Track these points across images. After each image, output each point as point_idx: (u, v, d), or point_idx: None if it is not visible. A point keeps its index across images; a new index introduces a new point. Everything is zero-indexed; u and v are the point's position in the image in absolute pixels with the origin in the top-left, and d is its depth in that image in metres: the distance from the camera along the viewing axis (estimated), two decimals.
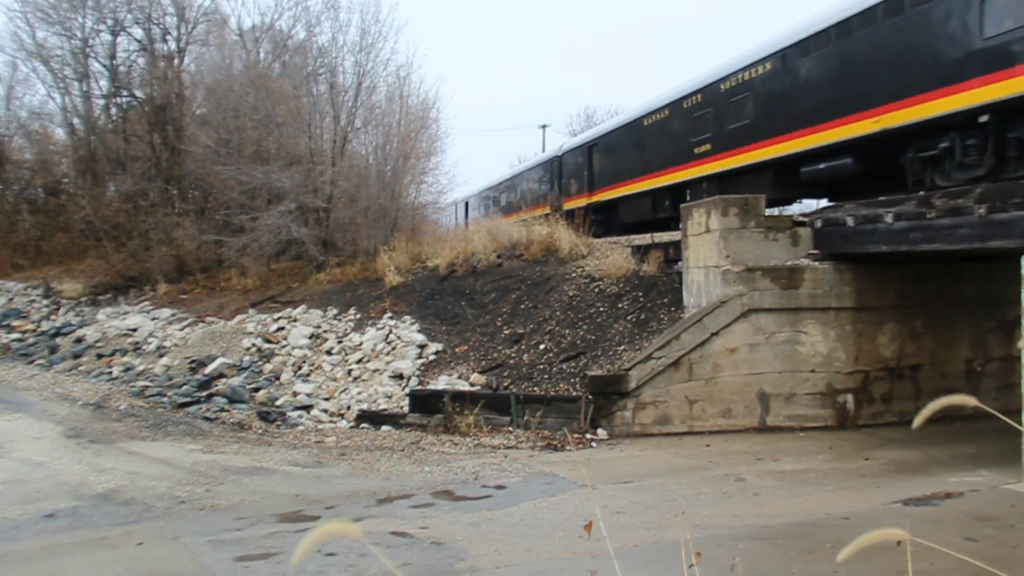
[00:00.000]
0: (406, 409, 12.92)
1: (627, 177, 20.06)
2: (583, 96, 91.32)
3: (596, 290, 15.08)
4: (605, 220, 21.81)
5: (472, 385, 13.42)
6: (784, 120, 13.76)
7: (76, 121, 26.95)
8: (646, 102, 19.71)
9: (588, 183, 22.63)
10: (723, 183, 15.63)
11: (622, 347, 13.09)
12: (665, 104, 18.16)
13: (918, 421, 1.50)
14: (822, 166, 13.10)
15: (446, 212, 41.01)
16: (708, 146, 16.15)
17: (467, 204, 39.27)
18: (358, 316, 17.15)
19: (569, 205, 23.87)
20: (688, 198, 16.34)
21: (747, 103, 14.89)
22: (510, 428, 11.96)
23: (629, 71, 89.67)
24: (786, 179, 14.19)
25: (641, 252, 15.55)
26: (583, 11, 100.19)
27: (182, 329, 18.08)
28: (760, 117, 14.50)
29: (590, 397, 11.83)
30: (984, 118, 10.19)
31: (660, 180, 18.22)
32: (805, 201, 17.85)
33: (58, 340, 19.12)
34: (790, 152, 13.59)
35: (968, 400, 1.54)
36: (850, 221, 11.55)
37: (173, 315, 19.35)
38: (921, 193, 10.80)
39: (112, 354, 17.37)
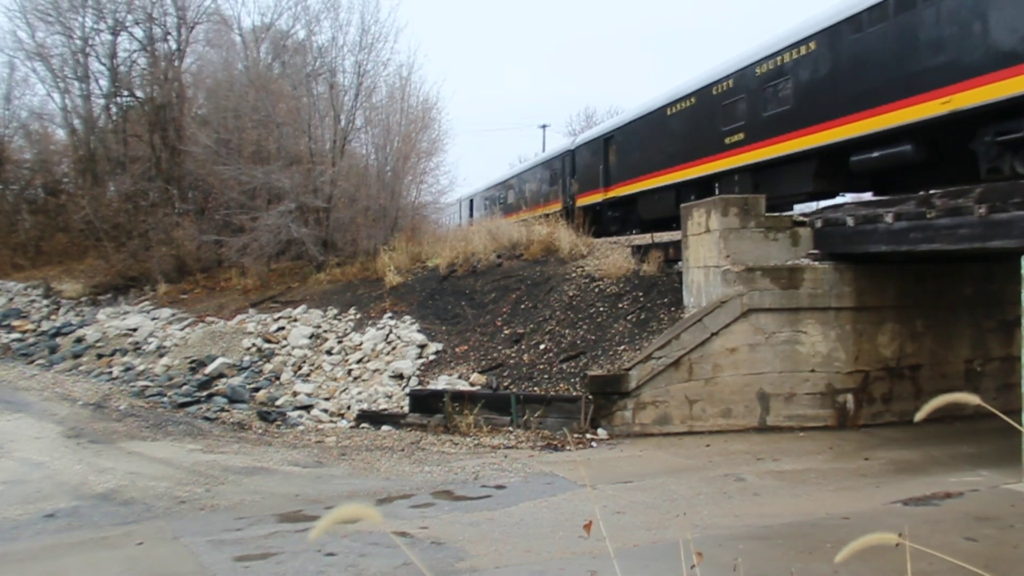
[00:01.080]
0: (406, 409, 12.92)
1: (648, 171, 18.97)
2: (583, 96, 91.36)
3: (596, 290, 15.09)
4: (623, 217, 21.06)
5: (472, 385, 13.43)
6: (832, 104, 12.65)
7: (76, 121, 26.94)
8: (669, 90, 18.51)
9: (604, 178, 21.60)
10: (757, 175, 14.81)
11: (622, 347, 13.10)
12: (691, 92, 17.04)
13: (921, 415, 1.50)
14: (876, 154, 12.00)
15: (449, 211, 40.22)
16: (741, 135, 15.08)
17: (472, 202, 38.50)
18: (358, 316, 17.16)
19: (583, 201, 23.11)
20: (717, 192, 15.61)
21: (788, 87, 13.81)
22: (510, 428, 11.96)
23: (629, 72, 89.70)
24: (831, 170, 13.27)
25: (641, 252, 15.55)
26: (583, 11, 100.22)
27: (182, 329, 18.08)
28: (803, 102, 13.40)
29: (590, 397, 11.83)
30: None
31: (685, 173, 17.15)
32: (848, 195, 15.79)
33: (58, 340, 19.12)
34: (838, 140, 12.52)
35: (971, 398, 1.54)
36: (850, 221, 11.55)
37: (173, 315, 19.35)
38: (921, 193, 10.78)
39: (112, 354, 17.37)
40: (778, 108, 14.06)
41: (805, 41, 13.41)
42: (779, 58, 14.08)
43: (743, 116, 15.06)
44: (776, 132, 14.04)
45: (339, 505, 1.32)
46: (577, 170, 24.01)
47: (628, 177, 20.17)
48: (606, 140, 21.76)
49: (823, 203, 14.97)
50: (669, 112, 18.03)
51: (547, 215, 23.31)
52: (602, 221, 21.71)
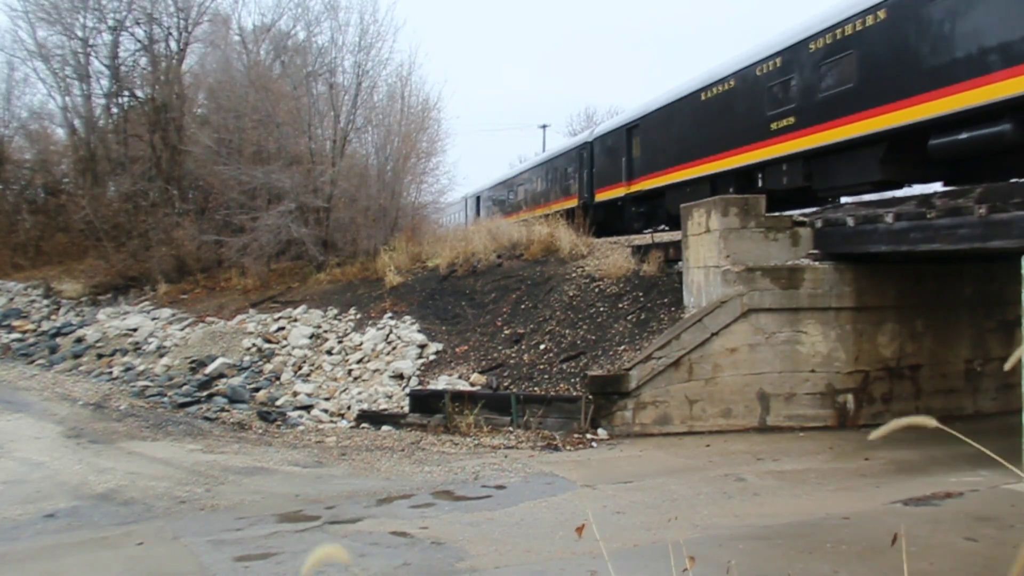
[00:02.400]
0: (406, 409, 12.92)
1: (678, 162, 17.50)
2: (583, 96, 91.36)
3: (596, 290, 15.09)
4: (649, 212, 19.74)
5: (472, 385, 13.42)
6: (909, 80, 11.20)
7: (76, 121, 26.94)
8: (703, 73, 17.05)
9: (627, 170, 20.10)
10: (810, 164, 13.50)
11: (622, 347, 13.10)
12: (731, 74, 15.59)
13: (877, 435, 1.48)
14: (964, 136, 10.56)
15: (453, 209, 39.55)
16: (791, 119, 13.66)
17: (478, 199, 37.15)
18: (358, 316, 17.15)
19: (603, 196, 21.75)
20: (760, 183, 14.47)
21: (850, 63, 12.31)
22: (510, 428, 11.96)
23: (629, 72, 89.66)
24: (901, 156, 11.86)
25: (641, 252, 15.55)
26: (583, 12, 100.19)
27: (182, 329, 18.08)
28: (870, 79, 11.95)
29: (590, 397, 11.83)
30: None
31: (723, 163, 15.66)
32: (917, 186, 13.76)
33: (58, 340, 19.12)
34: (915, 120, 11.08)
35: (928, 421, 1.50)
36: (850, 221, 11.55)
37: (173, 315, 19.35)
38: (920, 193, 10.78)
39: (112, 354, 17.37)
40: (838, 87, 12.60)
41: (873, 9, 11.90)
42: (839, 31, 12.60)
43: (794, 98, 13.65)
44: (835, 114, 12.61)
45: (314, 551, 1.41)
46: (596, 163, 22.51)
47: (655, 169, 18.66)
48: (629, 130, 20.26)
49: (864, 197, 13.50)
50: (704, 97, 16.51)
51: (562, 212, 22.52)
52: (625, 217, 20.64)
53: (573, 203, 23.40)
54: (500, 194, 33.52)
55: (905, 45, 11.37)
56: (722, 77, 15.92)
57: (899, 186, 13.03)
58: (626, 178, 20.23)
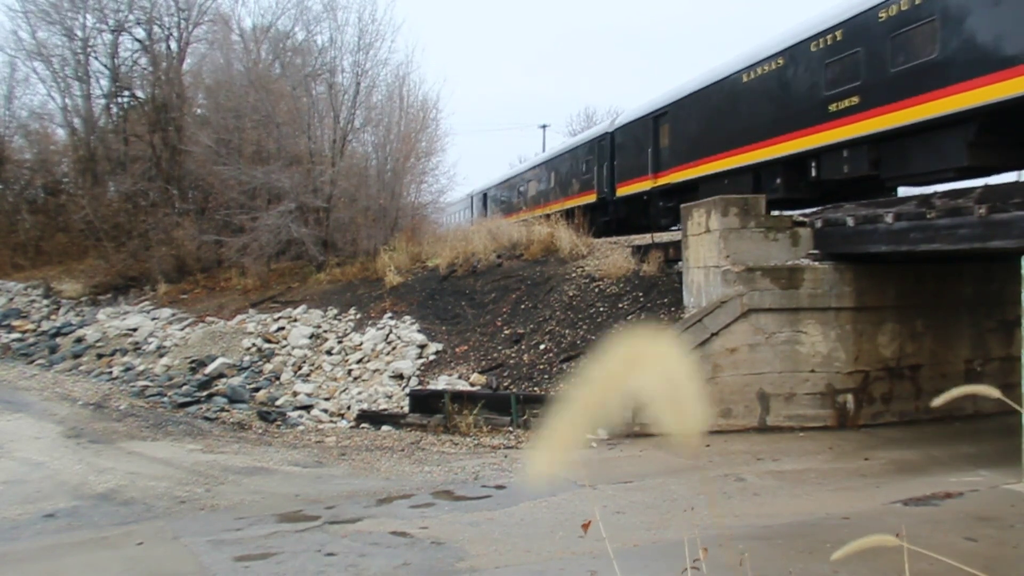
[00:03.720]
0: (406, 409, 12.93)
1: (714, 151, 16.05)
2: (583, 96, 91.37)
3: (596, 290, 15.09)
4: (678, 207, 18.55)
5: (472, 385, 13.43)
6: (1006, 46, 9.76)
7: (76, 121, 26.95)
8: (743, 53, 15.70)
9: (653, 162, 18.66)
10: (880, 149, 12.14)
11: None
12: (779, 51, 14.20)
13: (939, 401, 1.43)
14: None
15: (458, 207, 38.81)
16: (854, 99, 12.27)
17: (485, 196, 35.76)
18: (358, 316, 17.16)
19: (626, 190, 20.34)
20: (814, 172, 13.23)
21: (931, 31, 10.91)
22: (510, 428, 11.96)
23: (629, 72, 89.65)
24: (996, 138, 10.55)
25: (641, 252, 15.54)
26: (583, 12, 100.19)
27: (182, 329, 18.08)
28: (957, 48, 10.52)
29: None
30: None
31: (770, 151, 14.23)
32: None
33: (58, 340, 19.13)
34: (1020, 93, 9.59)
35: (990, 391, 1.47)
36: (850, 221, 11.55)
37: (173, 315, 19.36)
38: (920, 193, 10.77)
39: (112, 354, 17.37)
40: (915, 60, 11.16)
41: None
42: None
43: (858, 74, 12.24)
44: (911, 91, 11.20)
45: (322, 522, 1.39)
46: (617, 155, 20.97)
47: (686, 160, 17.18)
48: (656, 118, 18.74)
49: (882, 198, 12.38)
50: (745, 79, 15.09)
51: (579, 208, 21.66)
52: (650, 213, 19.20)
53: (591, 199, 22.26)
54: (509, 191, 32.20)
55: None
56: (768, 56, 14.48)
57: (988, 173, 11.48)
58: (652, 171, 18.75)
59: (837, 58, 12.74)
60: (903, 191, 13.19)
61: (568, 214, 21.77)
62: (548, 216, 20.42)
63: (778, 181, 14.06)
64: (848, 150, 12.60)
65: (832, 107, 12.75)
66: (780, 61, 14.13)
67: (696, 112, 17.00)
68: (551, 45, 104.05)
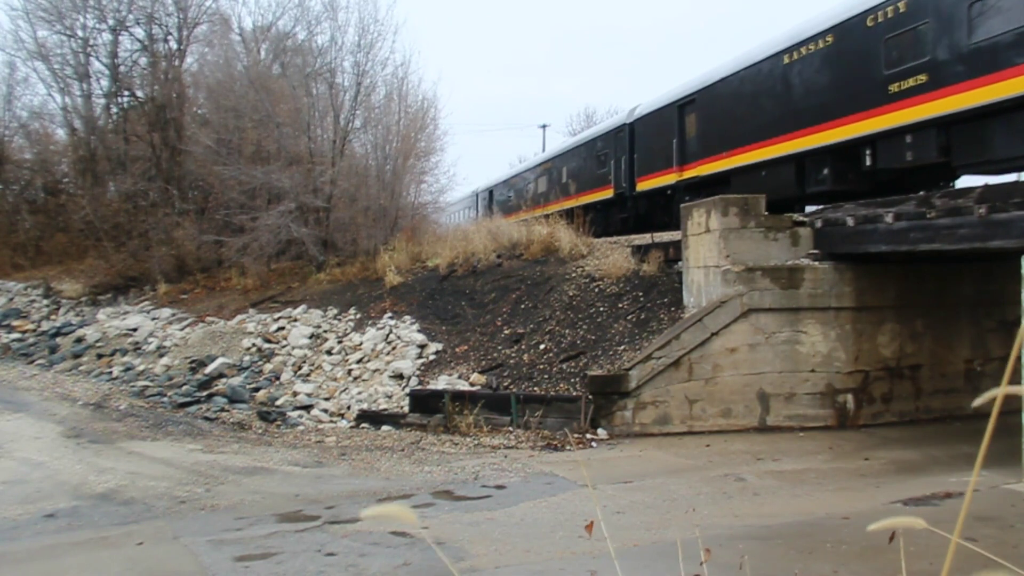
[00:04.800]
0: (406, 409, 12.93)
1: (751, 140, 14.81)
2: (583, 97, 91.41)
3: (596, 290, 15.09)
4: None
5: (472, 385, 13.43)
6: None
7: (76, 121, 26.93)
8: (784, 32, 14.49)
9: (679, 154, 17.42)
10: (952, 133, 10.90)
11: (622, 347, 13.10)
12: (827, 29, 13.03)
13: (979, 402, 1.31)
14: None
15: (461, 205, 38.19)
16: (920, 78, 11.12)
17: (491, 193, 34.53)
18: (358, 316, 17.16)
19: (647, 185, 19.12)
20: (870, 160, 12.12)
21: None
22: (510, 428, 11.96)
23: (629, 72, 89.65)
24: None
25: (641, 252, 15.54)
26: (583, 12, 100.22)
27: (182, 329, 18.08)
28: None
29: (590, 397, 11.83)
30: None
31: (816, 138, 13.04)
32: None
33: (58, 340, 19.12)
34: None
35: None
36: (850, 221, 11.55)
37: (173, 315, 19.36)
38: (921, 193, 10.78)
39: (112, 354, 17.37)
40: (1002, 29, 9.94)
41: None
42: None
43: (927, 49, 11.07)
44: (995, 65, 9.99)
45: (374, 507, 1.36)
46: (637, 147, 19.74)
47: (717, 151, 15.96)
48: (682, 106, 17.58)
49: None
50: (787, 60, 13.89)
51: (593, 204, 21.08)
52: (674, 209, 17.58)
53: (607, 194, 21.07)
54: (517, 187, 30.86)
55: None
56: (814, 34, 13.32)
57: None
58: (678, 163, 17.46)
59: (900, 33, 11.56)
60: (964, 181, 12.39)
61: (582, 211, 20.94)
62: (562, 214, 19.53)
63: (825, 172, 12.95)
64: (912, 135, 11.41)
65: (893, 87, 11.62)
66: (829, 39, 12.98)
67: (729, 99, 15.77)
68: (551, 45, 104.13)
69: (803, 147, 13.40)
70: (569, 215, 22.29)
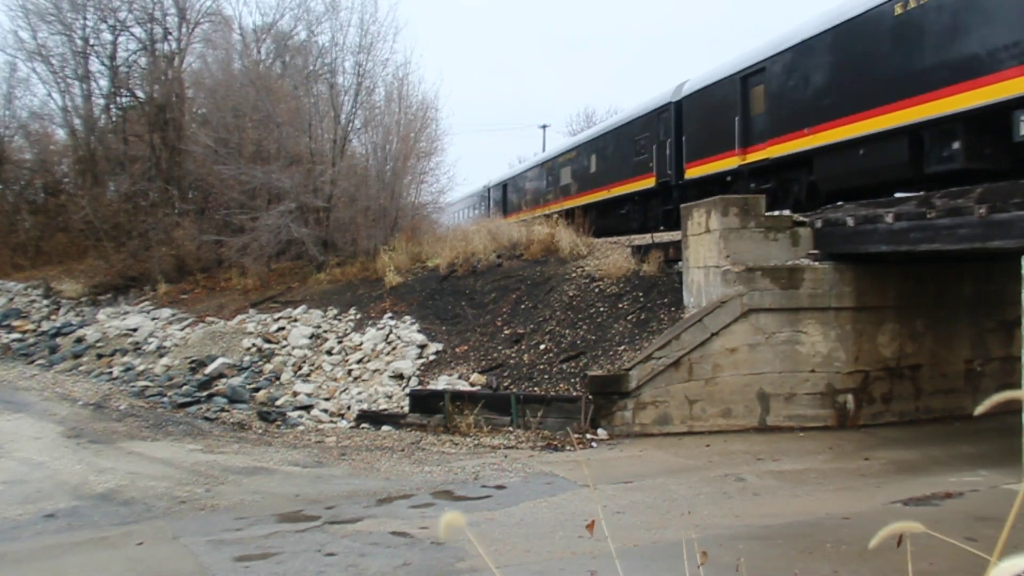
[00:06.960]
0: (406, 409, 12.93)
1: (843, 112, 12.37)
2: (583, 96, 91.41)
3: (596, 290, 15.09)
4: (777, 188, 14.43)
5: (472, 385, 13.43)
6: None
7: (76, 121, 26.94)
8: None
9: (742, 134, 15.04)
10: None
11: (622, 347, 13.10)
12: None
13: (981, 409, 1.30)
14: None
15: (468, 203, 37.35)
16: None
17: (504, 188, 32.20)
18: (358, 316, 17.16)
19: (698, 172, 16.71)
20: (1018, 130, 9.55)
21: None
22: (510, 428, 11.96)
23: (629, 72, 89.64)
24: None
25: (641, 252, 15.53)
26: (583, 11, 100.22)
27: (182, 329, 18.08)
28: None
29: (590, 397, 11.84)
30: None
31: (943, 104, 10.50)
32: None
33: (58, 340, 19.12)
34: None
35: None
36: (850, 221, 11.55)
37: (173, 315, 19.35)
38: (921, 193, 10.78)
39: (112, 354, 17.37)
40: None
41: None
42: None
43: None
44: None
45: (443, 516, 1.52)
46: (686, 129, 17.37)
47: (794, 128, 13.55)
48: (746, 78, 15.15)
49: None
50: (899, 11, 11.32)
51: (629, 196, 19.29)
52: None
53: (648, 183, 18.79)
54: (536, 180, 28.29)
55: None
56: None
57: None
58: (741, 145, 15.10)
59: None
60: None
61: (616, 203, 19.40)
62: (588, 208, 17.77)
63: (955, 146, 10.51)
64: None
65: None
66: None
67: (811, 65, 13.30)
68: (551, 45, 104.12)
69: (924, 115, 10.86)
70: (600, 209, 20.73)
